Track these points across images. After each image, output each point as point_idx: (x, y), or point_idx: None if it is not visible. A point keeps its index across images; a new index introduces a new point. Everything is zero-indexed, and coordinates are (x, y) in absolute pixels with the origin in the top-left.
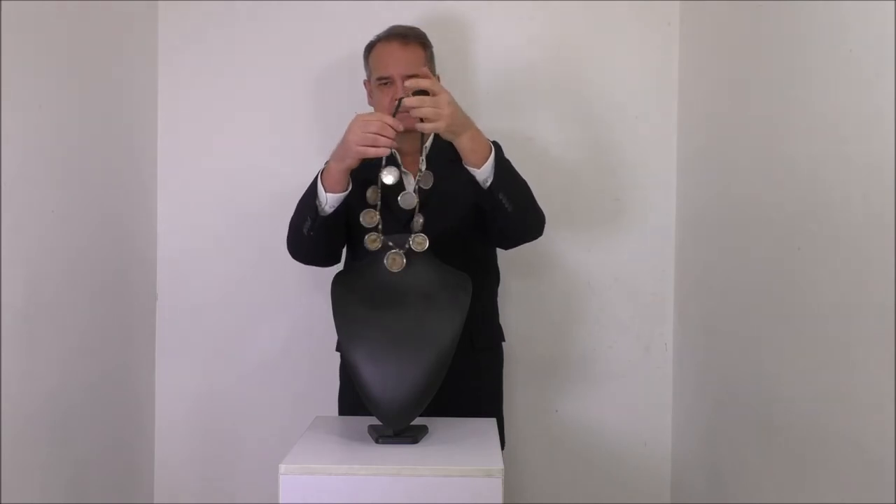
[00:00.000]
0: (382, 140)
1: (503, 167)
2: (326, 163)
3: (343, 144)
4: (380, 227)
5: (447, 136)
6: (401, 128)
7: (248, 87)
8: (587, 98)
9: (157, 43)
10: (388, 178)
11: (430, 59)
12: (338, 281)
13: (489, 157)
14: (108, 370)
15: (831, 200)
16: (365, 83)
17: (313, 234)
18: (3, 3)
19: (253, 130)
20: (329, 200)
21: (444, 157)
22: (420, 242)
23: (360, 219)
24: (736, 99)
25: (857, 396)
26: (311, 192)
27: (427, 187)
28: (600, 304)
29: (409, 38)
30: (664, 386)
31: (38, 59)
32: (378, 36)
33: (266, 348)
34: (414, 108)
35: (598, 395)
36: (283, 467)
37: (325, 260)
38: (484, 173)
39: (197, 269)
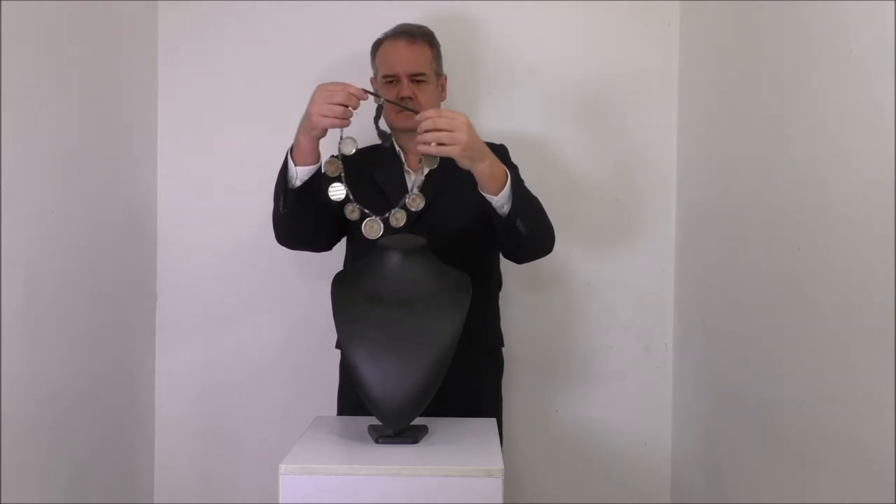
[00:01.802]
0: (346, 112)
1: (520, 193)
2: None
3: (307, 117)
4: (350, 197)
5: (464, 164)
6: (365, 97)
7: (248, 87)
8: (587, 98)
9: (157, 43)
10: (347, 147)
11: (436, 58)
12: (338, 281)
13: (506, 183)
14: (108, 370)
15: (831, 200)
16: (371, 81)
17: (287, 211)
18: (3, 3)
19: (253, 130)
20: (299, 174)
21: (449, 160)
22: (399, 218)
23: (323, 168)
24: (736, 99)
25: (857, 396)
26: (281, 171)
27: (415, 210)
28: (600, 304)
29: (416, 36)
30: (664, 386)
31: (38, 59)
32: (386, 34)
33: (266, 348)
34: (429, 130)
35: (598, 395)
36: (283, 467)
37: (308, 240)
38: (501, 200)
39: (197, 269)
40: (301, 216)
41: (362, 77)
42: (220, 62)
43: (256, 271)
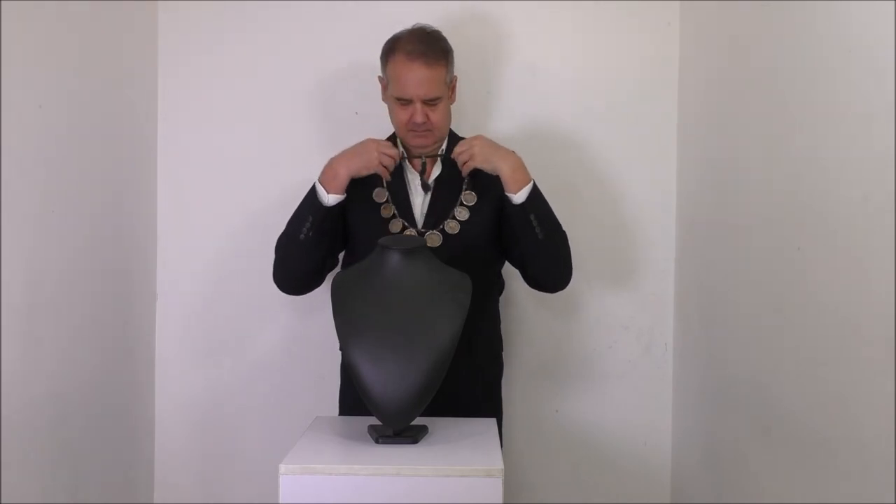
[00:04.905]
0: (393, 164)
1: (539, 196)
2: (327, 170)
3: (364, 157)
4: (395, 212)
5: (487, 168)
6: (402, 157)
7: (249, 88)
8: (587, 97)
9: (157, 43)
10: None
11: (450, 70)
12: (338, 281)
13: (528, 184)
14: (108, 370)
15: (831, 200)
16: (380, 79)
17: (311, 236)
18: (2, 3)
19: (253, 130)
20: (330, 200)
21: (455, 163)
22: (453, 227)
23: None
24: (736, 99)
25: (857, 396)
26: (309, 197)
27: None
28: (600, 304)
29: (432, 57)
30: (664, 386)
31: (38, 59)
32: (398, 37)
33: (266, 348)
34: (457, 154)
35: (598, 395)
36: (283, 467)
37: (314, 273)
38: (520, 198)
39: (197, 269)
40: (319, 241)
41: (364, 77)
42: (221, 62)
43: (257, 271)
